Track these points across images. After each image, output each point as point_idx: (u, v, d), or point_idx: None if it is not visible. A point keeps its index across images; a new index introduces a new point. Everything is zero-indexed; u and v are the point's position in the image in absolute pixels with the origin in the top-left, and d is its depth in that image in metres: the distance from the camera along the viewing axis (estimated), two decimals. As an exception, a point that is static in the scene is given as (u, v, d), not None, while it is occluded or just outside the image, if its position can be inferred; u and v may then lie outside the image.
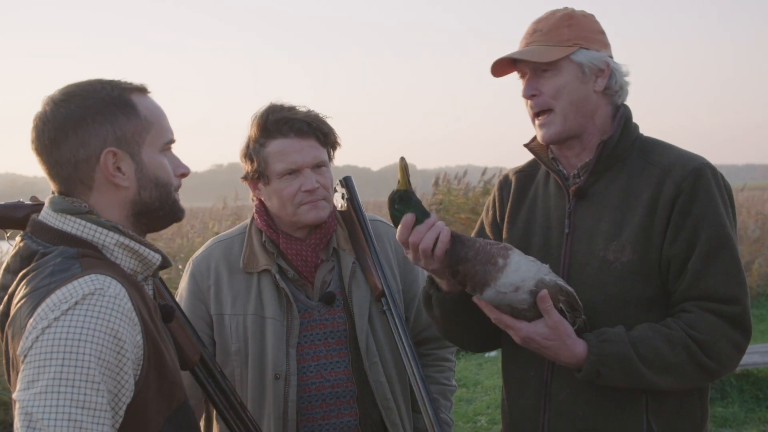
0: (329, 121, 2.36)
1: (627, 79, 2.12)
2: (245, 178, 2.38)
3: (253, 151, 2.31)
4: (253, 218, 2.42)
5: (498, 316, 1.95)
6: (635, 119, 2.15)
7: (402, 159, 1.94)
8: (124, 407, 1.42)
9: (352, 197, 2.39)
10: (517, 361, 2.15)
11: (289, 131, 2.26)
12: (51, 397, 1.31)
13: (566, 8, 2.12)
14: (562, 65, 2.03)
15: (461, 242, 1.92)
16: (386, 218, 2.36)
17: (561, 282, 1.95)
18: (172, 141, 1.67)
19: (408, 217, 1.93)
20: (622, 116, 2.09)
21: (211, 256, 2.39)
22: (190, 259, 2.46)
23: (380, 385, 2.31)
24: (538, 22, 2.10)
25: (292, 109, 2.31)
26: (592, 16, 2.12)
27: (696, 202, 1.97)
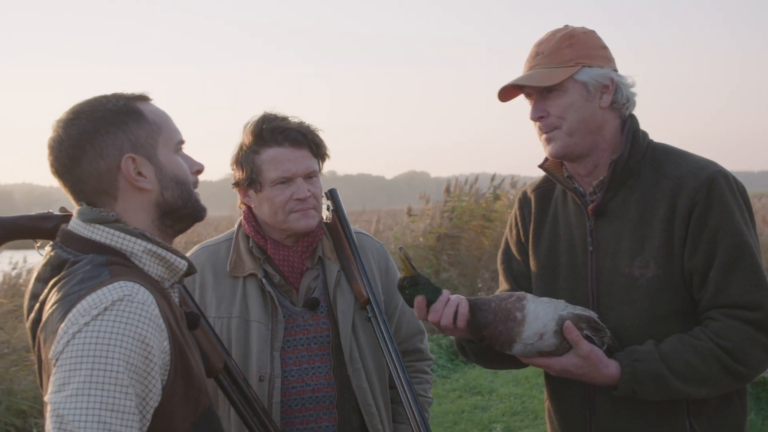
0: (320, 134, 2.40)
1: (633, 90, 2.15)
2: (236, 184, 2.41)
3: (245, 158, 2.34)
4: (240, 225, 2.45)
5: (528, 362, 2.06)
6: (652, 127, 2.18)
7: (401, 249, 2.06)
8: (152, 411, 1.46)
9: (337, 208, 2.43)
10: (559, 377, 2.20)
11: (284, 141, 2.30)
12: (81, 399, 1.35)
13: (566, 27, 2.14)
14: (566, 85, 2.06)
15: (479, 308, 2.02)
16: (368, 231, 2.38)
17: (578, 310, 2.02)
18: (182, 141, 1.73)
19: (419, 299, 2.04)
20: (629, 130, 2.11)
21: (197, 261, 2.41)
22: None
23: (363, 391, 2.35)
24: (540, 44, 2.13)
25: (285, 119, 2.34)
26: (593, 33, 2.14)
27: (711, 212, 1.99)
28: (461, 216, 11.98)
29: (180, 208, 1.69)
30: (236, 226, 2.47)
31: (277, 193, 2.30)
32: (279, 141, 2.29)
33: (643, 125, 2.17)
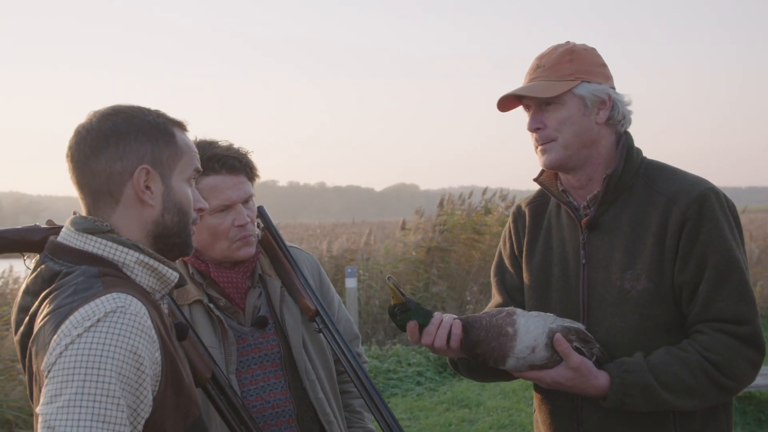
0: (251, 156, 2.40)
1: (629, 107, 2.19)
2: None
3: None
4: None
5: (520, 375, 2.08)
6: (642, 143, 2.23)
7: (389, 278, 2.08)
8: (143, 422, 1.46)
9: (268, 226, 2.44)
10: (547, 389, 2.22)
11: (221, 168, 2.29)
12: (73, 411, 1.35)
13: (568, 43, 2.19)
14: (565, 99, 2.10)
15: (471, 326, 2.05)
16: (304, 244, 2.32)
17: (567, 323, 2.06)
18: (198, 170, 1.75)
19: (411, 324, 2.08)
20: (623, 146, 2.16)
21: None
22: None
23: (320, 401, 2.36)
24: (541, 57, 2.17)
25: (217, 145, 2.34)
26: (593, 50, 2.19)
27: (702, 228, 2.03)
28: (452, 229, 12.03)
29: (174, 236, 1.69)
30: None
31: (218, 221, 2.30)
32: (216, 169, 2.29)
33: (636, 141, 2.22)
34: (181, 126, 1.73)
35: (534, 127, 2.15)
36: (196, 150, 1.75)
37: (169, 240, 1.69)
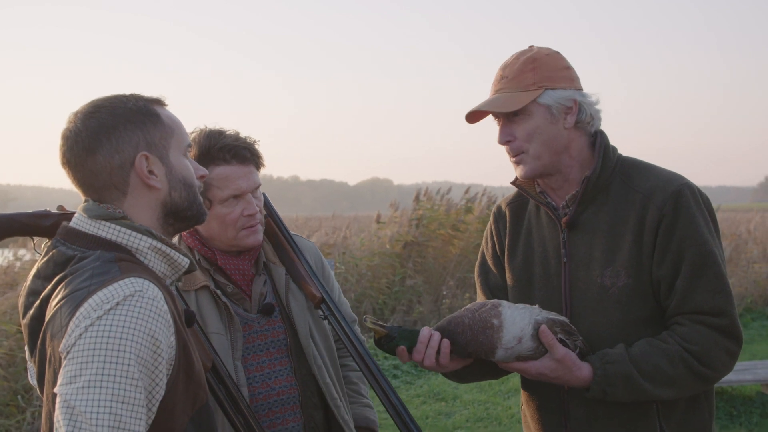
0: (258, 146, 2.43)
1: (598, 107, 2.21)
2: None
3: None
4: (179, 238, 2.45)
5: (506, 367, 2.12)
6: (619, 141, 2.24)
7: (366, 318, 2.11)
8: (157, 404, 1.49)
9: (271, 213, 2.47)
10: (535, 384, 2.28)
11: (231, 158, 2.32)
12: (93, 391, 1.38)
13: (531, 49, 2.20)
14: (530, 109, 2.12)
15: (455, 333, 2.08)
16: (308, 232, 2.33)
17: (552, 315, 2.10)
18: (190, 144, 1.78)
19: (399, 350, 2.12)
20: (600, 146, 2.19)
21: None
22: None
23: (327, 386, 2.40)
24: (505, 68, 2.19)
25: (226, 134, 2.36)
26: (557, 54, 2.19)
27: (678, 223, 2.08)
28: (429, 225, 12.05)
29: (185, 209, 1.73)
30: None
31: (228, 210, 2.32)
32: (227, 159, 2.31)
33: (621, 138, 2.25)
34: (160, 103, 1.74)
35: (504, 140, 2.18)
36: (181, 122, 1.77)
37: (182, 214, 1.73)
